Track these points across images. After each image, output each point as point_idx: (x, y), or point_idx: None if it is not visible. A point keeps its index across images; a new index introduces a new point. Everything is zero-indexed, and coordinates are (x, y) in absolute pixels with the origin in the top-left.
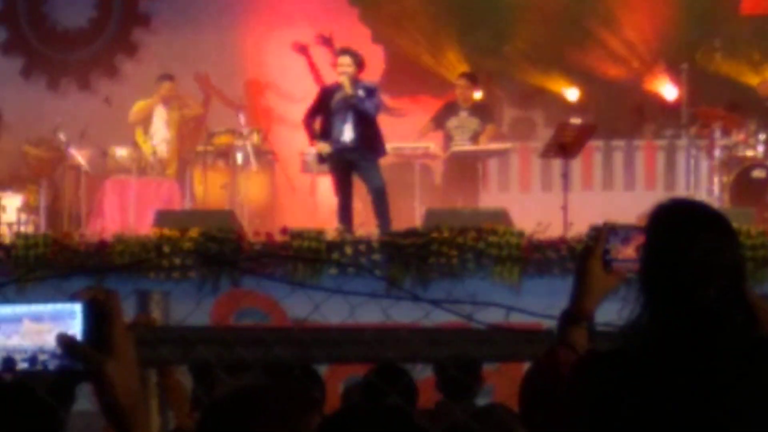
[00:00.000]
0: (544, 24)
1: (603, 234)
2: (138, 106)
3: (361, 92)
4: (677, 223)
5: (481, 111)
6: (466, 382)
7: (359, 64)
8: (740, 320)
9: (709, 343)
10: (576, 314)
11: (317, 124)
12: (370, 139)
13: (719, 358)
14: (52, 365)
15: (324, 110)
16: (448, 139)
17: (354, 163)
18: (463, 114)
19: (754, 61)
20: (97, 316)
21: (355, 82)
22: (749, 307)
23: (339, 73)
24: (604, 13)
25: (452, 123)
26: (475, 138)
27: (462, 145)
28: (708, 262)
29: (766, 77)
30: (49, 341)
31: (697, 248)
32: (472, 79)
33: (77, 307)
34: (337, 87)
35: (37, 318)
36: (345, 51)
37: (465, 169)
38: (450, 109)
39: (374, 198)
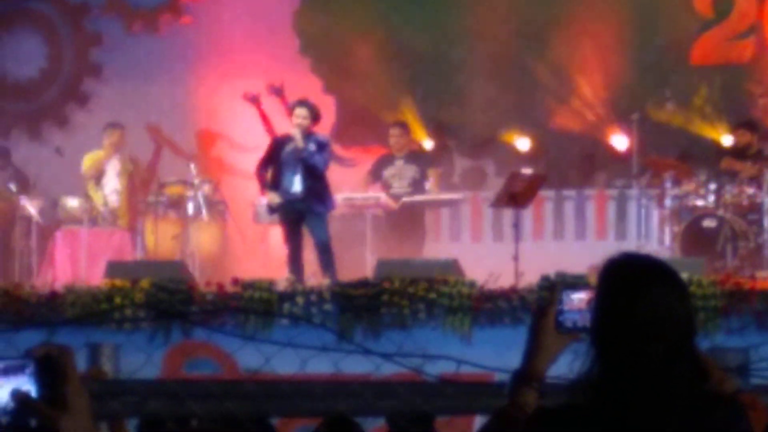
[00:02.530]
0: (495, 75)
1: (556, 294)
2: (90, 159)
3: (312, 146)
4: (627, 278)
5: (417, 158)
6: None
7: (315, 116)
8: (690, 375)
9: (658, 398)
10: (527, 375)
11: (269, 174)
12: (318, 193)
13: (669, 414)
14: (5, 421)
15: (275, 160)
16: (387, 188)
17: (302, 214)
18: (399, 162)
19: (705, 112)
20: (51, 373)
21: (308, 134)
22: (699, 362)
23: (294, 124)
24: (555, 63)
25: (389, 172)
26: (415, 185)
27: (401, 192)
28: (657, 318)
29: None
30: (2, 397)
31: (646, 304)
32: (405, 127)
33: (28, 363)
34: (289, 138)
35: None
36: (302, 103)
37: (409, 218)
38: (385, 159)
39: (319, 252)
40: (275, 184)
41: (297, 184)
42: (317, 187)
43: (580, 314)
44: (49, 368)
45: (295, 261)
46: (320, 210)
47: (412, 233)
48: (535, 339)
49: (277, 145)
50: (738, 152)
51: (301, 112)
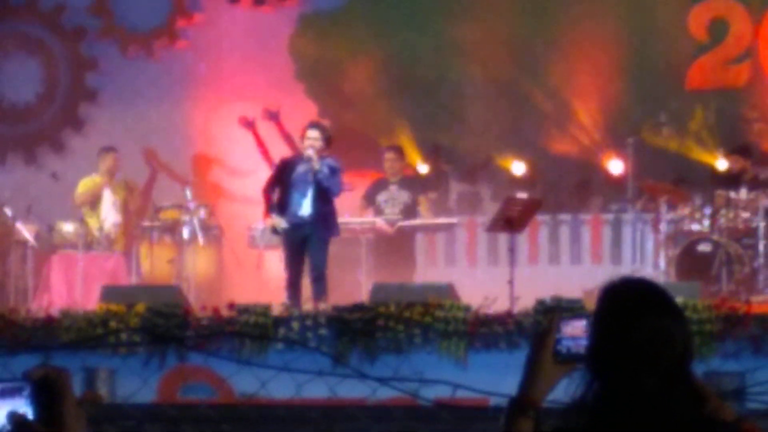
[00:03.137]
0: (491, 99)
1: (554, 324)
2: (85, 186)
3: (325, 169)
4: (624, 303)
5: (410, 184)
6: None
7: (327, 139)
8: (686, 401)
9: (654, 425)
10: (524, 403)
11: (275, 196)
12: (326, 217)
13: None
14: None
15: (283, 182)
16: (379, 213)
17: (307, 238)
18: (393, 188)
19: (700, 136)
20: (47, 395)
21: (320, 157)
22: (695, 388)
23: (306, 146)
24: (551, 87)
25: (381, 197)
26: (406, 211)
27: (393, 219)
28: (654, 344)
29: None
30: None
31: (643, 329)
32: (399, 151)
33: (25, 386)
34: (299, 159)
35: None
36: (315, 125)
37: (400, 243)
38: (379, 184)
39: (314, 278)
40: (282, 207)
41: (306, 207)
42: (326, 211)
43: (576, 342)
44: (47, 390)
45: (294, 287)
46: (325, 236)
47: (402, 258)
48: (532, 367)
49: (286, 166)
50: (732, 178)
51: (313, 133)
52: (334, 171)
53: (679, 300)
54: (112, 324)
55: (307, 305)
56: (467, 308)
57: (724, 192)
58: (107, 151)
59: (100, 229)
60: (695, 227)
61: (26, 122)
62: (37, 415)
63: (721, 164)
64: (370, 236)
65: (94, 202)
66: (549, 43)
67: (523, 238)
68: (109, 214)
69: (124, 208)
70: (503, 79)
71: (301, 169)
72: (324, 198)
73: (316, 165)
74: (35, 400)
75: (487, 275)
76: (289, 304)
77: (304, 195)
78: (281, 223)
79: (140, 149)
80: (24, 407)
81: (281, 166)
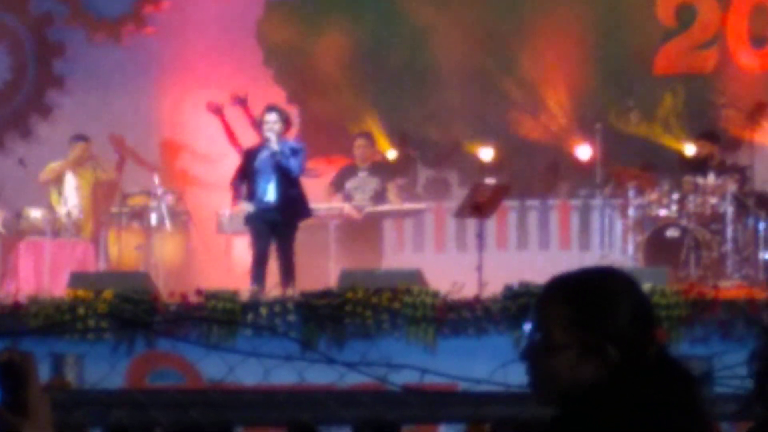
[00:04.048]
0: (459, 85)
1: None
2: (50, 167)
3: (287, 150)
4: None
5: (379, 170)
6: None
7: (285, 121)
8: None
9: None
10: None
11: (244, 187)
12: (293, 200)
13: None
14: None
15: (249, 171)
16: (348, 199)
17: (275, 224)
18: (362, 174)
19: (668, 122)
20: (12, 379)
21: (281, 141)
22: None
23: (265, 129)
24: (519, 73)
25: (351, 184)
26: (376, 197)
27: (363, 205)
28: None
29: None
30: None
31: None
32: (370, 138)
33: None
34: (261, 147)
35: None
36: (272, 108)
37: (368, 229)
38: (348, 170)
39: (282, 265)
40: (250, 195)
41: (271, 193)
42: (292, 194)
43: None
44: (11, 374)
45: (259, 270)
46: (293, 221)
47: (372, 244)
48: None
49: (250, 156)
50: (700, 163)
51: (271, 117)
52: (295, 152)
53: (647, 286)
54: (80, 310)
55: (274, 291)
56: (435, 294)
57: (692, 177)
58: (78, 140)
59: (68, 215)
60: (663, 213)
61: None
62: (1, 399)
63: (689, 149)
64: (337, 222)
65: (60, 186)
66: (517, 29)
67: (491, 224)
68: (70, 197)
69: (92, 194)
70: (472, 65)
71: (263, 155)
72: (288, 181)
73: (275, 146)
74: (0, 384)
75: (455, 261)
76: (253, 287)
77: (268, 181)
78: (249, 207)
79: (107, 135)
80: None
81: (245, 156)
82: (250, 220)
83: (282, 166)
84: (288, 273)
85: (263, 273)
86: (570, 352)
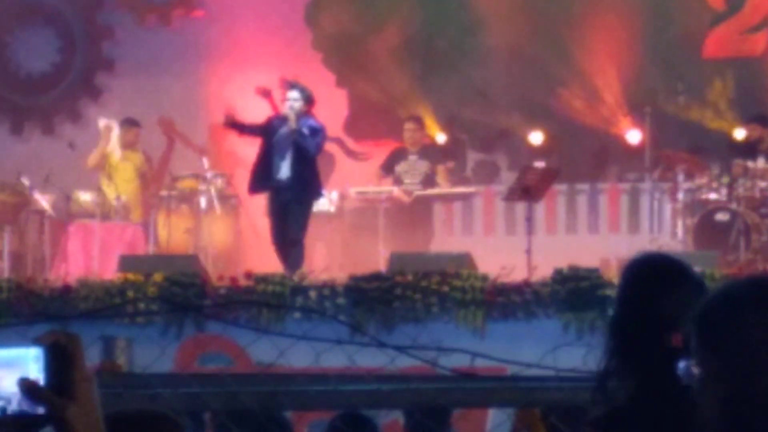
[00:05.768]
0: (508, 68)
1: None
2: (99, 151)
3: (305, 129)
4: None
5: (429, 153)
6: (435, 429)
7: (308, 99)
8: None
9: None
10: None
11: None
12: (306, 180)
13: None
14: (12, 410)
15: (266, 142)
16: (398, 183)
17: (286, 204)
18: (412, 158)
19: (718, 106)
20: (59, 360)
21: (302, 118)
22: None
23: (286, 107)
24: (568, 56)
25: (401, 168)
26: (426, 181)
27: (412, 189)
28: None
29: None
30: (7, 386)
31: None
32: (420, 122)
33: (36, 352)
34: (284, 120)
35: None
36: (293, 85)
37: (418, 213)
38: (399, 154)
39: (289, 245)
40: (264, 170)
41: (285, 170)
42: (306, 174)
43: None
44: (57, 356)
45: (280, 253)
46: (305, 199)
47: (421, 227)
48: None
49: (271, 125)
50: (749, 147)
51: (292, 94)
52: (315, 131)
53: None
54: (130, 293)
55: (324, 275)
56: (485, 277)
57: (742, 161)
58: (130, 125)
59: (118, 198)
60: (713, 196)
61: (43, 92)
62: (48, 381)
63: (739, 133)
64: (387, 205)
65: (110, 169)
66: (567, 12)
67: (540, 208)
68: (124, 177)
69: (141, 177)
70: (521, 48)
71: (282, 131)
72: (303, 160)
73: (293, 124)
74: (46, 366)
75: (504, 244)
76: (305, 272)
77: (283, 157)
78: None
79: (157, 118)
80: (35, 373)
81: (267, 123)
82: (268, 202)
83: (299, 145)
84: (295, 256)
85: (285, 254)
86: None
